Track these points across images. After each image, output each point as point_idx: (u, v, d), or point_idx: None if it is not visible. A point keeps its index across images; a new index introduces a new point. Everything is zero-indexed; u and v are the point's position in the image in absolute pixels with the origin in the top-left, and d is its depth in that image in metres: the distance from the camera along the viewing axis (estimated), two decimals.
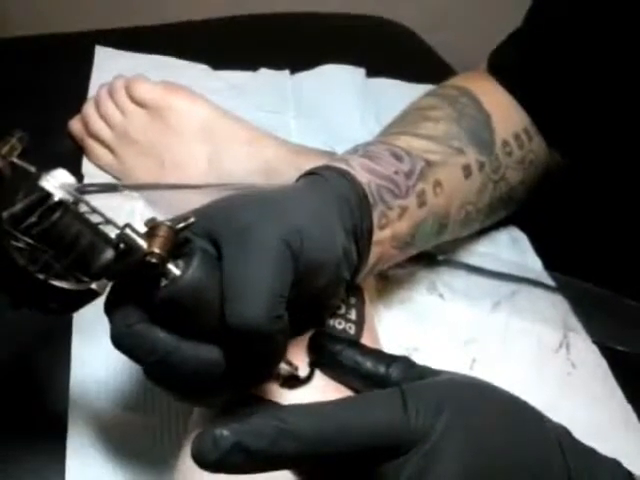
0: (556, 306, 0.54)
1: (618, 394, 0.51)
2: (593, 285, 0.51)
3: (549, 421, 0.34)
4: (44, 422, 0.45)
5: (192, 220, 0.33)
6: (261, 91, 0.72)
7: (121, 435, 0.44)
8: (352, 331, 0.40)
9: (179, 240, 0.32)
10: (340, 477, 0.32)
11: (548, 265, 0.58)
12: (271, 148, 0.58)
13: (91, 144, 0.61)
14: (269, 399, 0.35)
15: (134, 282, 0.32)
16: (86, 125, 0.61)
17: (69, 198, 0.32)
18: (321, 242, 0.36)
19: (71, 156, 0.61)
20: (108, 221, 0.33)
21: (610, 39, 0.52)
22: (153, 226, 0.32)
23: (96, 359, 0.47)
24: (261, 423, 0.29)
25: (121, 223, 0.32)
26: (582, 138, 0.56)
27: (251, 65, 0.75)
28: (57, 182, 0.32)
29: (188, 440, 0.37)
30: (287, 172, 0.54)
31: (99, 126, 0.60)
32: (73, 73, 0.70)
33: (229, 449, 0.28)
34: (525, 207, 0.60)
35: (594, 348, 0.53)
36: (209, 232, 0.34)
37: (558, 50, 0.55)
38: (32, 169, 0.32)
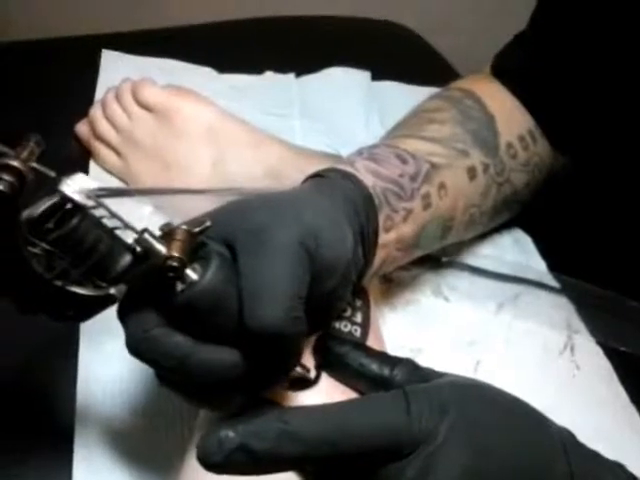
0: (560, 308, 0.54)
1: (622, 396, 0.51)
2: (597, 286, 0.51)
3: (552, 424, 0.34)
4: (51, 426, 0.45)
5: (208, 224, 0.33)
6: (266, 94, 0.73)
7: (127, 438, 0.44)
8: (358, 334, 0.40)
9: (195, 244, 0.32)
10: (344, 478, 0.32)
11: (552, 267, 0.58)
12: (276, 151, 0.58)
13: (97, 147, 0.61)
14: (275, 401, 0.35)
15: (150, 287, 0.32)
16: (93, 128, 0.62)
17: (88, 203, 0.31)
18: (334, 243, 0.36)
19: (78, 159, 0.62)
20: (127, 226, 0.32)
21: (614, 41, 0.52)
22: (170, 230, 0.32)
23: (102, 363, 0.47)
24: (265, 425, 0.29)
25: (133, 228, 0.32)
26: (586, 140, 0.56)
27: (257, 68, 0.76)
28: (77, 187, 0.31)
29: (193, 442, 0.37)
30: (292, 175, 0.54)
31: (106, 129, 0.60)
32: (80, 77, 0.71)
33: (233, 450, 0.28)
34: (529, 209, 0.60)
35: (598, 350, 0.53)
36: (223, 235, 0.34)
37: (562, 53, 0.55)
38: (52, 174, 0.31)
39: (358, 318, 0.41)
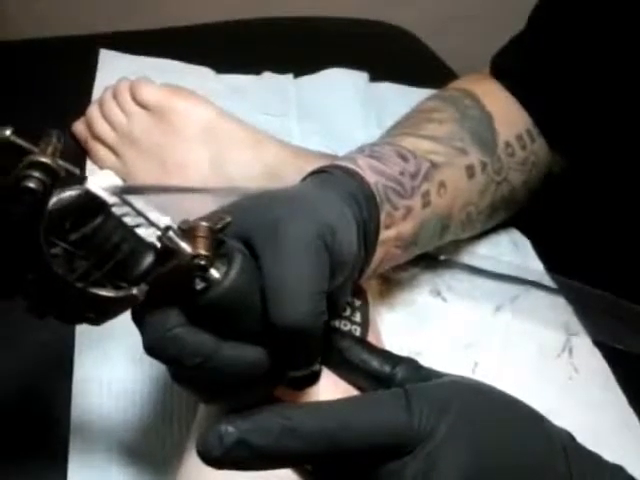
0: (558, 309, 0.54)
1: (620, 398, 0.51)
2: (595, 288, 0.51)
3: (552, 425, 0.34)
4: (46, 426, 0.45)
5: (229, 219, 0.32)
6: (264, 94, 0.73)
7: (123, 437, 0.44)
8: (357, 333, 0.40)
9: (217, 241, 0.31)
10: (344, 477, 0.32)
11: (550, 268, 0.58)
12: (273, 151, 0.58)
13: (94, 146, 0.61)
14: (276, 398, 0.35)
15: (171, 286, 0.31)
16: (90, 127, 0.61)
17: (112, 201, 0.30)
18: (346, 238, 0.36)
19: (74, 158, 0.62)
20: (151, 224, 0.31)
21: (612, 42, 0.52)
22: (190, 227, 0.31)
23: (98, 362, 0.47)
24: (266, 420, 0.29)
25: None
26: (584, 140, 0.56)
27: (255, 69, 0.76)
28: (101, 184, 0.30)
29: (192, 440, 0.37)
30: (289, 175, 0.54)
31: (103, 128, 0.60)
32: (77, 76, 0.70)
33: (233, 445, 0.28)
34: (527, 210, 0.60)
35: (596, 352, 0.53)
36: (240, 232, 0.33)
37: (560, 53, 0.55)
38: (76, 170, 0.30)
39: (357, 317, 0.41)
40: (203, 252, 0.30)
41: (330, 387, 0.36)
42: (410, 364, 0.36)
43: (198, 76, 0.72)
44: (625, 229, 0.56)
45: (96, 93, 0.67)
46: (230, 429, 0.29)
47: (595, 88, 0.54)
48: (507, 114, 0.56)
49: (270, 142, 0.59)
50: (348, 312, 0.41)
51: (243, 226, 0.33)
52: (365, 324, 0.41)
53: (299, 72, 0.76)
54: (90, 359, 0.47)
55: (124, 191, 0.31)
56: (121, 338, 0.47)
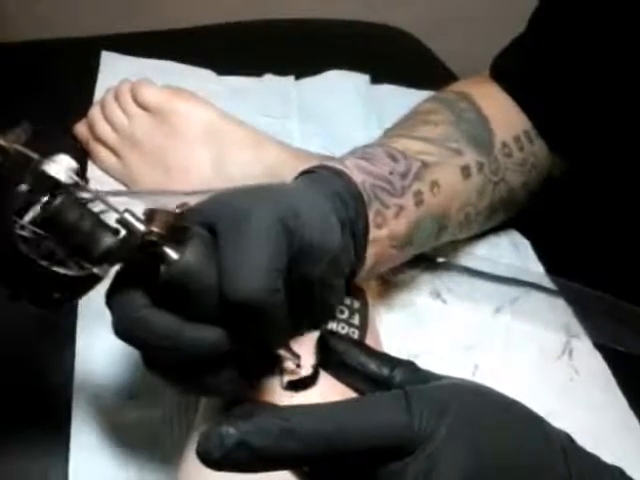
0: (559, 311, 0.54)
1: (621, 400, 0.51)
2: (595, 290, 0.51)
3: (551, 427, 0.34)
4: (47, 418, 0.45)
5: (189, 205, 0.34)
6: (265, 96, 0.73)
7: (124, 430, 0.44)
8: (355, 336, 0.40)
9: (177, 225, 0.33)
10: (344, 478, 0.32)
11: (550, 270, 0.58)
12: (274, 152, 0.58)
13: (96, 147, 0.61)
14: (274, 404, 0.35)
15: (135, 267, 0.33)
16: (91, 128, 0.62)
17: (71, 182, 0.32)
18: (316, 223, 0.36)
19: (76, 160, 0.62)
20: (110, 207, 0.33)
21: (612, 44, 0.52)
22: (151, 212, 0.33)
23: (100, 354, 0.47)
24: (266, 422, 0.29)
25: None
26: (583, 143, 0.56)
27: (256, 71, 0.76)
28: (60, 167, 0.32)
29: (192, 438, 0.37)
30: (289, 176, 0.54)
31: (104, 129, 0.60)
32: (79, 78, 0.71)
33: (233, 447, 0.28)
34: (526, 212, 0.60)
35: (597, 354, 0.53)
36: (206, 219, 0.34)
37: (560, 55, 0.56)
38: (35, 155, 0.32)
39: (356, 320, 0.41)
40: (155, 229, 0.32)
41: (328, 390, 0.36)
42: (408, 367, 0.36)
43: (199, 78, 0.73)
44: (625, 231, 0.56)
45: (98, 95, 0.67)
46: (231, 430, 0.29)
47: (595, 90, 0.54)
48: (505, 116, 0.56)
49: (271, 144, 0.59)
50: (346, 314, 0.41)
51: (209, 214, 0.35)
52: (363, 327, 0.41)
53: (300, 74, 0.76)
54: (91, 349, 0.47)
55: (81, 177, 0.33)
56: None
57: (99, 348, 0.47)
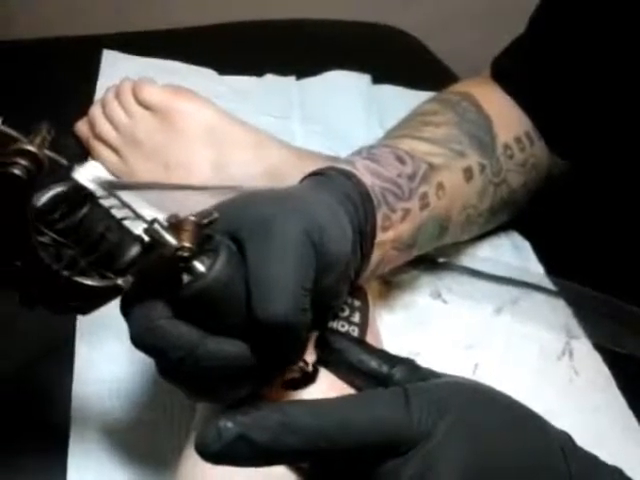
0: (559, 312, 0.54)
1: (620, 401, 0.51)
2: (595, 290, 0.51)
3: (551, 426, 0.34)
4: (46, 424, 0.45)
5: (216, 215, 0.33)
6: (266, 96, 0.73)
7: (122, 437, 0.44)
8: (355, 334, 0.40)
9: (203, 236, 0.32)
10: (340, 476, 0.32)
11: (550, 272, 0.58)
12: (276, 152, 0.58)
13: (97, 146, 0.61)
14: (274, 399, 0.35)
15: (157, 278, 0.32)
16: (92, 127, 0.61)
17: (99, 192, 0.31)
18: (337, 237, 0.36)
19: (77, 158, 0.62)
20: (138, 216, 0.32)
21: (613, 45, 0.52)
22: (178, 221, 0.31)
23: (98, 361, 0.47)
24: (265, 416, 0.29)
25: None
26: (584, 144, 0.56)
27: (257, 71, 0.76)
28: (89, 175, 0.31)
29: (190, 440, 0.37)
30: (291, 176, 0.54)
31: (105, 128, 0.60)
32: (80, 76, 0.71)
33: (232, 441, 0.28)
34: (527, 213, 0.60)
35: (596, 355, 0.53)
36: (229, 228, 0.34)
37: (561, 56, 0.56)
38: (64, 161, 0.31)
39: (356, 318, 0.41)
40: (187, 244, 0.31)
41: (328, 387, 0.36)
42: (408, 364, 0.36)
43: (200, 77, 0.73)
44: (625, 232, 0.56)
45: (99, 94, 0.67)
46: (229, 424, 0.28)
47: (595, 91, 0.54)
48: (506, 117, 0.56)
49: (272, 143, 0.59)
50: (347, 313, 0.41)
51: (231, 223, 0.34)
52: (364, 325, 0.41)
53: (301, 74, 0.76)
54: (90, 355, 0.47)
55: (114, 186, 0.32)
56: (121, 333, 0.47)
57: (98, 355, 0.47)
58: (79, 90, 0.68)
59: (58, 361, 0.47)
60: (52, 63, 0.74)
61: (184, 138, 0.57)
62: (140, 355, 0.46)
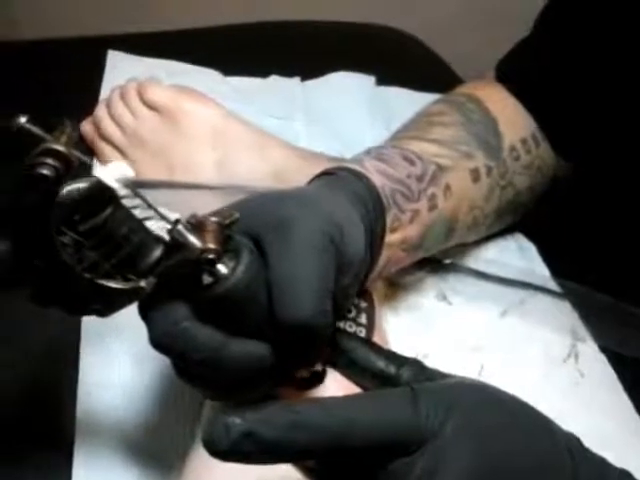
0: (564, 314, 0.54)
1: (627, 404, 0.51)
2: (600, 293, 0.51)
3: (558, 428, 0.34)
4: (51, 426, 0.45)
5: (237, 215, 0.32)
6: (271, 98, 0.73)
7: (128, 439, 0.43)
8: (362, 334, 0.40)
9: (225, 236, 0.31)
10: (348, 475, 0.31)
11: (555, 274, 0.57)
12: (280, 153, 0.58)
13: (102, 146, 0.61)
14: (282, 399, 0.35)
15: (178, 280, 0.31)
16: (97, 127, 0.61)
17: (123, 192, 0.30)
18: (353, 238, 0.36)
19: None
20: (162, 217, 0.31)
21: (618, 47, 0.52)
22: (199, 222, 0.31)
23: (103, 362, 0.47)
24: (273, 413, 0.29)
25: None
26: (589, 145, 0.56)
27: (262, 72, 0.76)
28: (113, 175, 0.30)
29: (197, 439, 0.37)
30: (295, 177, 0.54)
31: (110, 128, 0.60)
32: (85, 77, 0.71)
33: (240, 437, 0.28)
34: (532, 215, 0.60)
35: (602, 358, 0.53)
36: (248, 228, 0.33)
37: (566, 58, 0.56)
38: (88, 160, 0.30)
39: (363, 319, 0.41)
40: (212, 246, 0.30)
41: (335, 387, 0.36)
42: (415, 365, 0.36)
43: (205, 78, 0.72)
44: (630, 234, 0.56)
45: (104, 94, 0.67)
46: (237, 420, 0.28)
47: (600, 93, 0.54)
48: (512, 118, 0.56)
49: (277, 144, 0.59)
50: (353, 313, 0.41)
51: (251, 223, 0.33)
52: (370, 326, 0.41)
53: (306, 75, 0.76)
54: (95, 359, 0.47)
55: (134, 184, 0.31)
56: (126, 337, 0.47)
57: (102, 359, 0.47)
58: (84, 91, 0.68)
59: (63, 364, 0.47)
60: (57, 64, 0.74)
61: (189, 138, 0.57)
62: (145, 357, 0.46)
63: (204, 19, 0.83)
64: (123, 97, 0.60)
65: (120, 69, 0.71)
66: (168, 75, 0.66)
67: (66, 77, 0.71)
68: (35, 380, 0.47)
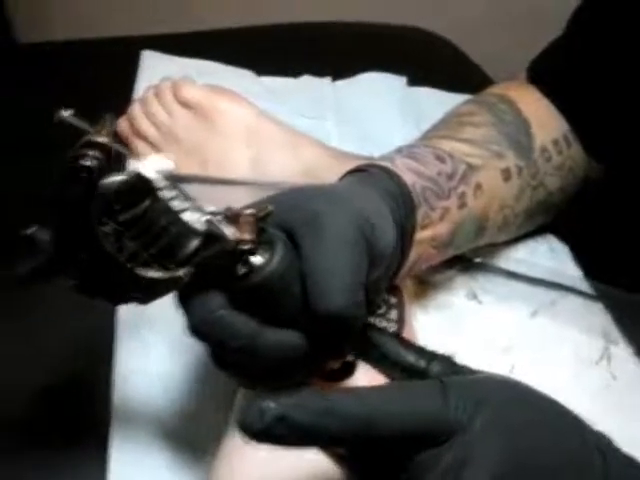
0: (597, 316, 0.54)
1: None
2: (633, 295, 0.51)
3: (588, 426, 0.34)
4: (87, 416, 0.46)
5: (271, 208, 0.33)
6: (302, 97, 0.73)
7: (164, 427, 0.44)
8: (392, 330, 0.40)
9: (259, 228, 0.32)
10: (377, 464, 0.32)
11: (588, 275, 0.57)
12: (312, 152, 0.59)
13: (137, 142, 0.62)
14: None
15: (215, 270, 0.32)
16: (132, 124, 0.62)
17: (162, 184, 0.31)
18: (384, 233, 0.36)
19: (117, 155, 0.62)
20: (199, 208, 0.32)
21: None
22: (234, 214, 0.32)
23: (140, 353, 0.47)
24: (307, 399, 0.30)
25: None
26: (621, 146, 0.56)
27: (294, 72, 0.76)
28: (152, 167, 0.31)
29: (231, 425, 0.38)
30: (327, 176, 0.54)
31: (145, 126, 0.61)
32: (119, 77, 0.72)
33: (274, 421, 0.29)
34: (564, 216, 0.60)
35: (635, 360, 0.52)
36: (281, 222, 0.34)
37: (598, 58, 0.55)
38: (127, 152, 0.31)
39: (393, 315, 0.41)
40: (248, 237, 0.31)
41: (366, 380, 0.36)
42: (445, 360, 0.36)
43: (238, 78, 0.73)
44: None
45: (138, 93, 0.68)
46: (271, 405, 0.29)
47: (633, 94, 0.53)
48: (543, 119, 0.56)
49: (309, 144, 0.59)
50: (383, 309, 0.41)
51: (285, 217, 0.34)
52: (400, 322, 0.41)
53: (337, 76, 0.76)
54: (132, 348, 0.48)
55: (176, 178, 0.32)
56: (159, 329, 0.48)
57: (138, 348, 0.47)
58: (118, 91, 0.69)
59: (99, 353, 0.48)
60: (91, 64, 0.76)
61: (222, 136, 0.58)
62: (179, 348, 0.47)
63: (237, 19, 0.84)
64: (158, 96, 0.61)
65: (153, 69, 0.71)
66: (201, 75, 0.67)
67: (100, 77, 0.72)
68: (71, 369, 0.48)
